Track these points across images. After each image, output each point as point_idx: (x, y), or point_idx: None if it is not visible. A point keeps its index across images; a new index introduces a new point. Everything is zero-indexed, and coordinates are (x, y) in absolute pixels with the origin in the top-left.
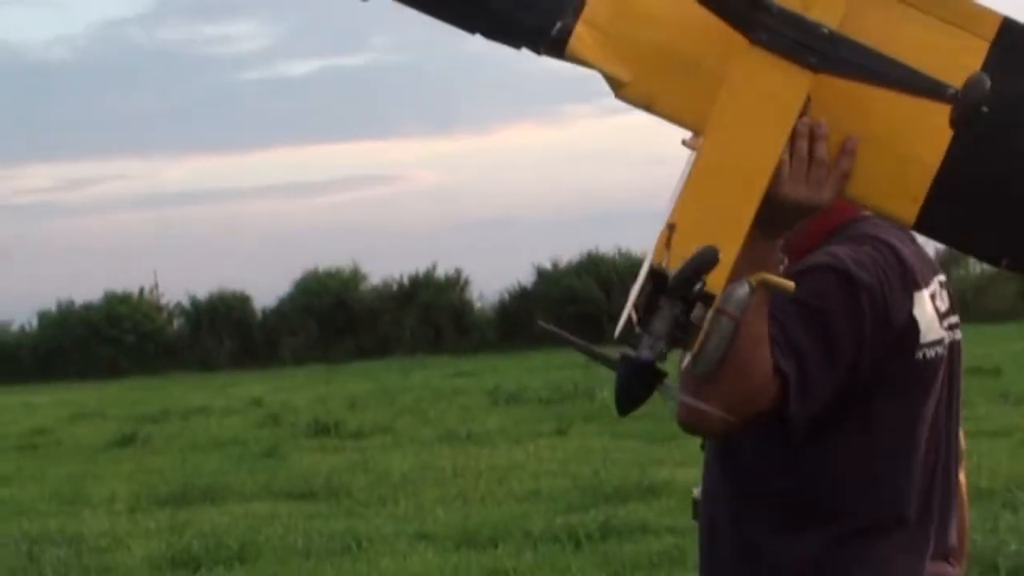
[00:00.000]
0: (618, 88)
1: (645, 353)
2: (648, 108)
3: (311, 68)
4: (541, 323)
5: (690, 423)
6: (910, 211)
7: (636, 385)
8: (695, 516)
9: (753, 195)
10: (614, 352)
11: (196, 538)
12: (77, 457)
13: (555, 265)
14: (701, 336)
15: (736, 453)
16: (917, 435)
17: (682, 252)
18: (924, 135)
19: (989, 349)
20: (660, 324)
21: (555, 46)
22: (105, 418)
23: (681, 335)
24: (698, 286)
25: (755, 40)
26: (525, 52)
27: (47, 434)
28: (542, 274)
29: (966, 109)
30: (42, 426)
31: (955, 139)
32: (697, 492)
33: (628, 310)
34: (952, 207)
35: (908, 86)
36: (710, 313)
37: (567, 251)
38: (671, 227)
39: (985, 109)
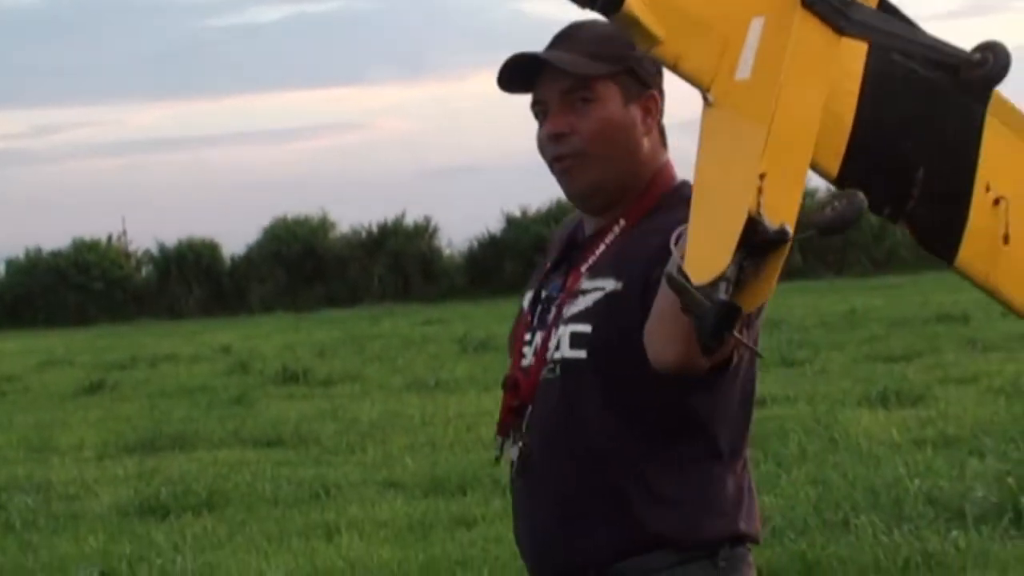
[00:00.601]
0: (652, 45)
1: (723, 296)
2: (674, 67)
3: (280, 14)
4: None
5: (698, 361)
6: (833, 165)
7: (726, 325)
8: (520, 473)
9: (809, 146)
10: (701, 297)
11: (164, 485)
12: (45, 404)
13: (524, 212)
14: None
15: (641, 400)
16: (755, 383)
17: (771, 201)
18: (843, 94)
19: (957, 296)
20: (731, 269)
21: (613, 3)
22: (73, 365)
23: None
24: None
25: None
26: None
27: (15, 381)
28: (511, 221)
29: (996, 72)
30: (10, 373)
31: (861, 98)
32: (515, 454)
33: (731, 258)
34: (857, 161)
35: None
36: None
37: (536, 198)
38: (762, 176)
39: None
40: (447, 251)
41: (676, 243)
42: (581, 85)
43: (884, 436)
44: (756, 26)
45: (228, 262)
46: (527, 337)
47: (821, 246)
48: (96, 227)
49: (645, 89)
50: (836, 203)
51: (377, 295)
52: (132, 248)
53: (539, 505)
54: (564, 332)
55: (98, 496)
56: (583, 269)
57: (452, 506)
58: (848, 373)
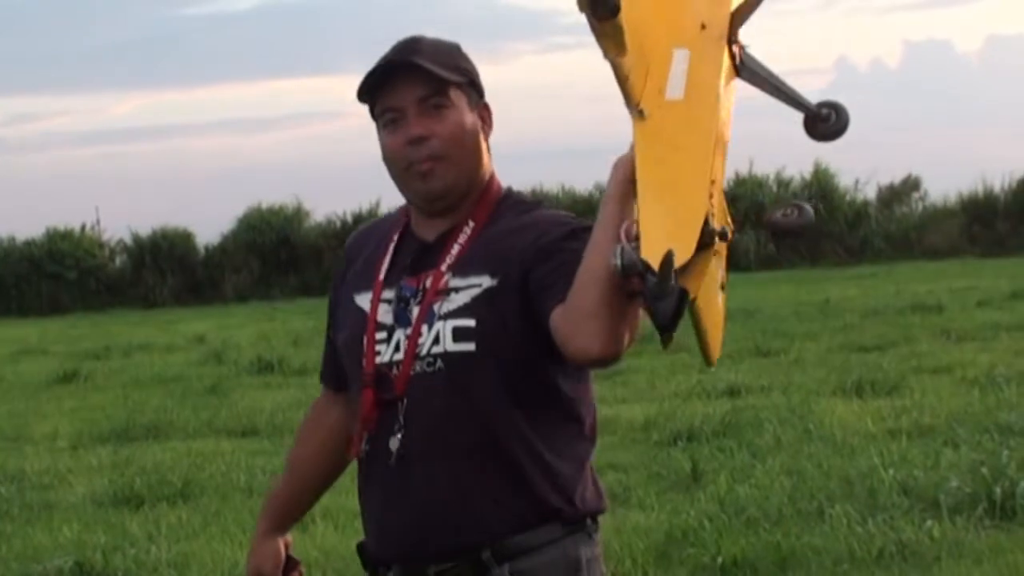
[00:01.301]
0: (618, 55)
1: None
2: (624, 79)
3: (253, 3)
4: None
5: (622, 352)
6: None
7: (682, 309)
8: (398, 463)
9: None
10: (672, 287)
11: (139, 475)
12: (19, 394)
13: None
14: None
15: (525, 386)
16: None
17: (716, 205)
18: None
19: (931, 286)
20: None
21: (613, 11)
22: (47, 355)
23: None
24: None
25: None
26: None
27: None
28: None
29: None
30: None
31: None
32: (394, 445)
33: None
34: None
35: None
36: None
37: (507, 183)
38: (713, 182)
39: None
40: None
41: (625, 238)
42: (437, 91)
43: (859, 426)
44: (681, 56)
45: (202, 251)
46: (380, 336)
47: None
48: (70, 216)
49: (481, 99)
50: (789, 211)
51: None
52: (106, 237)
53: (424, 492)
54: (443, 327)
55: (72, 486)
56: (444, 268)
57: None
58: (823, 363)
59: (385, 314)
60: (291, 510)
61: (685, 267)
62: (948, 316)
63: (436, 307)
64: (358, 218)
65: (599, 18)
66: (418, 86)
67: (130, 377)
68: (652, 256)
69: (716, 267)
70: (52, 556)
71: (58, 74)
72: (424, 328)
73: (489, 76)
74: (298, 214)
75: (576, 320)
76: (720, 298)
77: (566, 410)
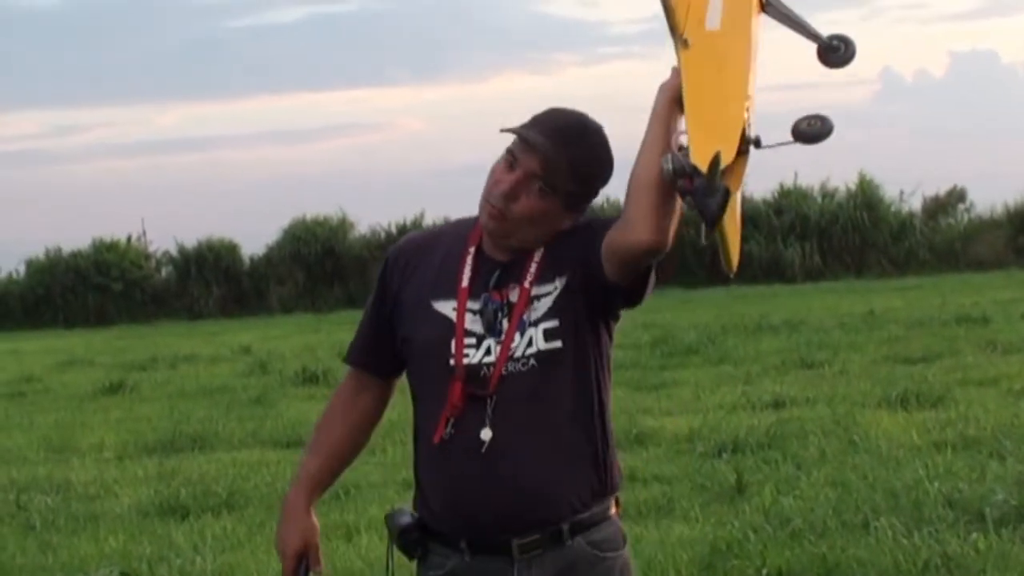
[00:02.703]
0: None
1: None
2: (671, 13)
3: (299, 15)
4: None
5: (668, 242)
6: None
7: (725, 205)
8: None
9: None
10: (718, 185)
11: (184, 486)
12: (65, 405)
13: None
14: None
15: (590, 377)
16: None
17: (751, 118)
18: None
19: (977, 298)
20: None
21: None
22: (93, 366)
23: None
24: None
25: None
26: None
27: (35, 382)
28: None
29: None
30: (30, 374)
31: None
32: (485, 435)
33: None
34: None
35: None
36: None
37: None
38: (748, 98)
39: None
40: None
41: (675, 149)
42: (549, 183)
43: (904, 438)
44: None
45: (247, 262)
46: (468, 341)
47: (840, 248)
48: (116, 227)
49: (577, 211)
50: (812, 121)
51: None
52: (152, 248)
53: (512, 476)
54: (535, 332)
55: (118, 496)
56: (527, 285)
57: None
58: (867, 374)
59: (473, 323)
60: (323, 486)
61: (727, 169)
62: (994, 328)
63: (526, 316)
64: (402, 229)
65: None
66: (537, 161)
67: (176, 388)
68: (701, 160)
69: (735, 196)
70: (98, 566)
71: (102, 85)
72: (516, 335)
73: (535, 87)
74: (343, 225)
75: (630, 221)
76: (738, 205)
77: (606, 389)
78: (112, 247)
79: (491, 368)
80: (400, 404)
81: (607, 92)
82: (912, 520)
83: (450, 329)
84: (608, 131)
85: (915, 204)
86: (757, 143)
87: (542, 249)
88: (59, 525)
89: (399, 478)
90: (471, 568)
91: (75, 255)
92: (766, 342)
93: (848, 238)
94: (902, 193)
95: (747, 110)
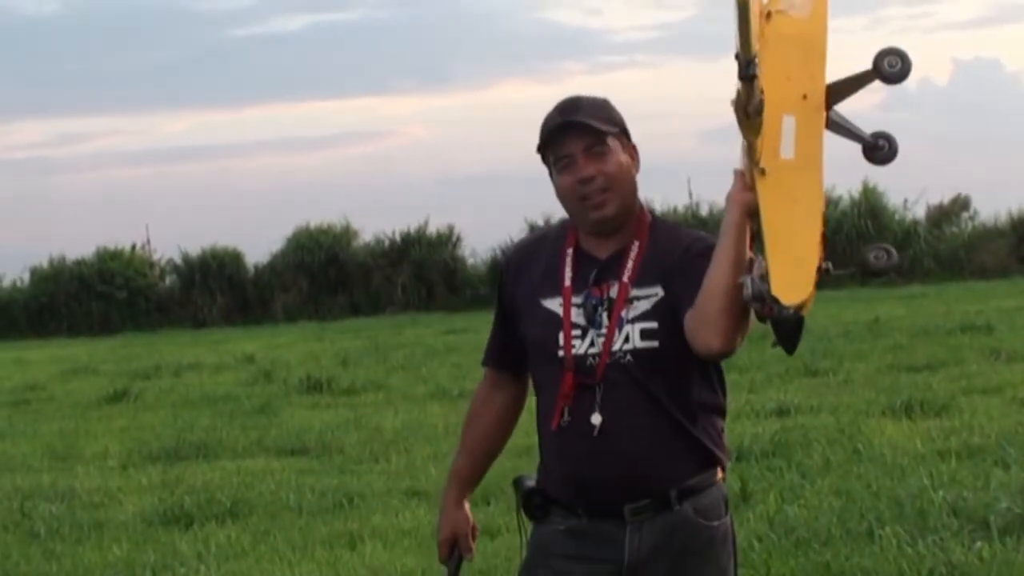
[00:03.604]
0: (755, 138)
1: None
2: (750, 146)
3: (303, 23)
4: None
5: (735, 348)
6: None
7: (800, 333)
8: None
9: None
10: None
11: (188, 494)
12: (70, 413)
13: (547, 221)
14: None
15: (691, 371)
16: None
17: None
18: None
19: (980, 306)
20: None
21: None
22: (97, 374)
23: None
24: None
25: None
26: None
27: (39, 390)
28: (535, 230)
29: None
30: (34, 382)
31: None
32: (596, 420)
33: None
34: None
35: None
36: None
37: (559, 207)
38: (823, 234)
39: None
40: (471, 260)
41: (756, 274)
42: (599, 141)
43: (908, 446)
44: (789, 122)
45: (251, 271)
46: (575, 333)
47: (843, 256)
48: (120, 236)
49: (630, 142)
50: (879, 253)
51: (400, 304)
52: (156, 257)
53: (621, 454)
54: (632, 329)
55: (122, 504)
56: (626, 281)
57: (476, 515)
58: (872, 383)
59: (577, 316)
60: (473, 481)
61: (806, 301)
62: (998, 336)
63: (624, 313)
64: (406, 237)
65: (748, 117)
66: (583, 138)
67: (180, 396)
68: (781, 293)
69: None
70: (102, 575)
71: (107, 94)
72: (617, 330)
73: (540, 96)
74: (347, 233)
75: (701, 323)
76: None
77: (713, 385)
78: (116, 255)
79: (597, 358)
80: (404, 412)
81: (612, 101)
82: (916, 528)
83: (558, 323)
84: None
85: (919, 212)
86: (828, 271)
87: (637, 246)
88: (63, 533)
89: (403, 486)
90: (588, 528)
91: (79, 263)
92: (770, 350)
93: (852, 246)
94: (906, 201)
95: (821, 242)
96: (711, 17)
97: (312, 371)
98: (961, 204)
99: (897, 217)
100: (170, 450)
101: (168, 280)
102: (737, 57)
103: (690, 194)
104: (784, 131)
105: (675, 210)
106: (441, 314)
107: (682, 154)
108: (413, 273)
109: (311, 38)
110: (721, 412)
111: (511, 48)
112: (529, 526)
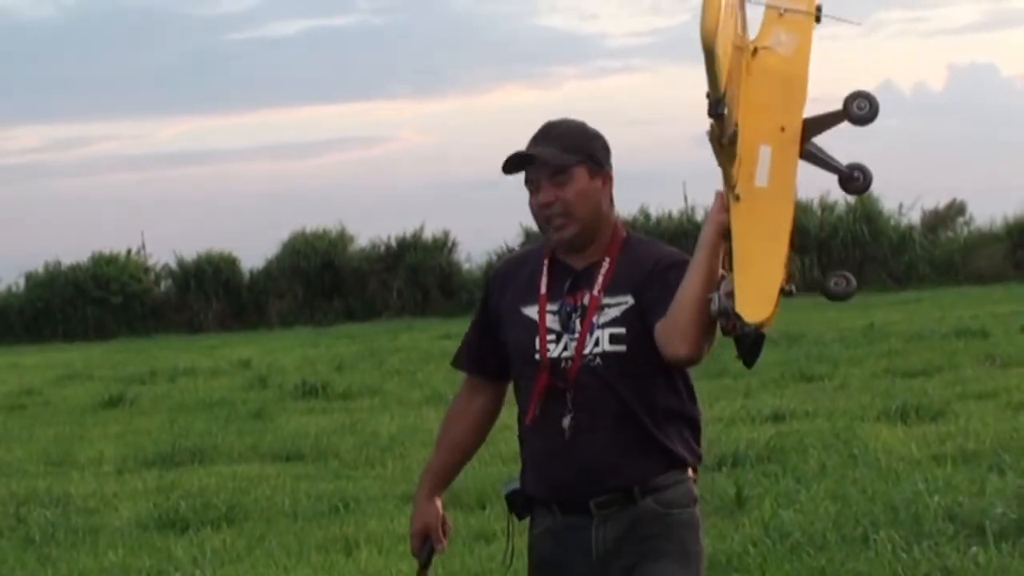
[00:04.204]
0: (729, 165)
1: (761, 330)
2: (725, 169)
3: (298, 29)
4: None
5: (701, 356)
6: None
7: (760, 347)
8: (571, 433)
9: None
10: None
11: (184, 499)
12: (65, 418)
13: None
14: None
15: (656, 375)
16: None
17: (787, 273)
18: None
19: (976, 311)
20: None
21: (732, 143)
22: (92, 379)
23: None
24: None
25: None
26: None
27: (35, 395)
28: (530, 235)
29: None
30: (30, 387)
31: None
32: (566, 423)
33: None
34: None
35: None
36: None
37: None
38: (787, 256)
39: None
40: (466, 265)
41: (723, 293)
42: (560, 170)
43: (903, 452)
44: (766, 151)
45: (247, 276)
46: (550, 337)
47: (839, 261)
48: (115, 241)
49: (602, 168)
50: (839, 279)
51: (396, 309)
52: (151, 262)
53: (590, 453)
54: (602, 334)
55: (118, 510)
56: (597, 292)
57: (471, 520)
58: (867, 388)
59: (552, 322)
60: (446, 478)
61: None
62: (993, 341)
63: (595, 319)
64: (402, 242)
65: (722, 147)
66: (547, 165)
67: (175, 402)
68: (743, 310)
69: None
70: None
71: (102, 99)
72: (588, 335)
73: (535, 101)
74: (342, 238)
75: (671, 332)
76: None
77: (679, 390)
78: (112, 260)
79: (570, 362)
80: (399, 417)
81: (607, 106)
82: (912, 534)
83: (535, 328)
84: (611, 144)
85: (914, 217)
86: (790, 293)
87: (608, 261)
88: (58, 539)
89: (398, 492)
90: (562, 525)
91: (75, 268)
92: (766, 355)
93: (847, 251)
94: (901, 206)
95: (785, 265)
96: None
97: (307, 376)
98: (956, 209)
99: (892, 222)
100: (165, 455)
101: (163, 285)
102: (708, 96)
103: (685, 198)
104: (760, 160)
105: (671, 215)
106: (436, 319)
107: (678, 159)
108: (408, 278)
109: (307, 43)
110: (688, 416)
111: (507, 53)
112: (523, 530)
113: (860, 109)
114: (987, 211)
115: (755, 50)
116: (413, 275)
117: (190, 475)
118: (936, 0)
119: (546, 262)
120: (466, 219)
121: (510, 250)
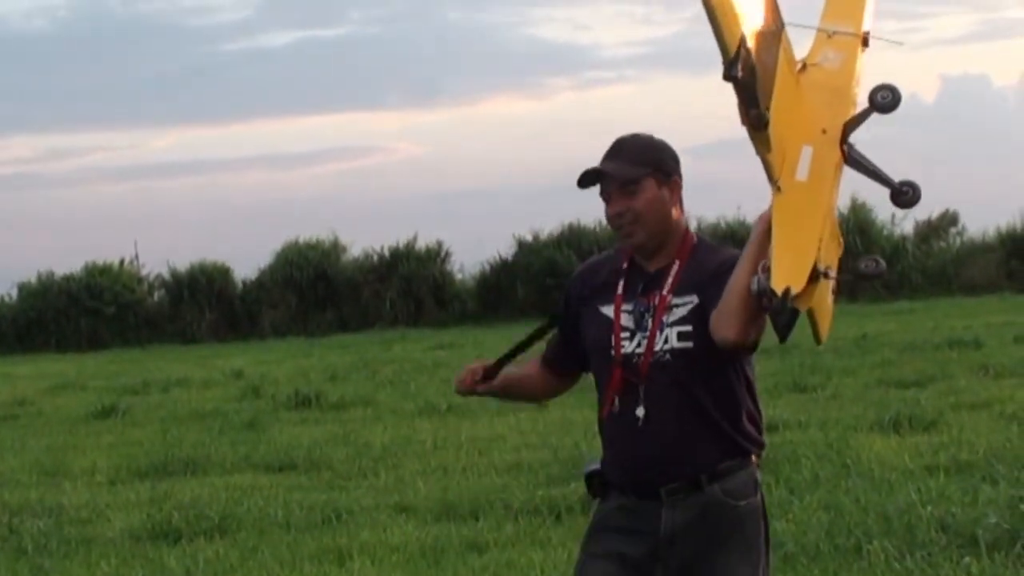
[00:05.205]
0: (766, 152)
1: (793, 304)
2: (767, 163)
3: (290, 39)
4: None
5: (747, 341)
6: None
7: (794, 322)
8: (643, 422)
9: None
10: (788, 307)
11: (176, 510)
12: (58, 429)
13: (536, 237)
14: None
15: (721, 368)
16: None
17: (823, 255)
18: None
19: (969, 321)
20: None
21: (764, 126)
22: (85, 389)
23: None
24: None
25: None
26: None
27: (28, 405)
28: (523, 245)
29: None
30: (23, 397)
31: None
32: (640, 412)
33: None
34: None
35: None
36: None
37: (548, 222)
38: (820, 239)
39: None
40: (459, 275)
41: (761, 271)
42: (631, 181)
43: (896, 462)
44: (807, 151)
45: (240, 286)
46: (624, 335)
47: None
48: (108, 251)
49: (669, 178)
50: (870, 262)
51: (389, 319)
52: (144, 272)
53: (662, 441)
54: (671, 332)
55: (110, 520)
56: (667, 292)
57: (464, 531)
58: (860, 398)
59: (627, 320)
60: (505, 376)
61: (800, 294)
62: (986, 352)
63: (665, 318)
64: (395, 252)
65: (756, 130)
66: (617, 178)
67: (168, 412)
68: (778, 286)
69: (826, 286)
70: None
71: (96, 109)
72: (658, 332)
73: (528, 111)
74: (335, 249)
75: (722, 317)
76: (830, 299)
77: (743, 381)
78: (105, 271)
79: (641, 358)
80: (392, 428)
81: (600, 116)
82: (905, 544)
83: (611, 326)
84: (601, 156)
85: (907, 228)
86: (826, 275)
87: (677, 264)
88: (51, 549)
89: (391, 502)
90: (634, 506)
91: (67, 279)
92: (759, 365)
93: (842, 261)
94: (894, 217)
95: (819, 249)
96: (699, 32)
97: (300, 387)
98: (949, 220)
99: (885, 232)
100: (158, 466)
101: (156, 295)
102: (723, 62)
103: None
104: (802, 158)
105: None
106: (430, 329)
107: None
108: (402, 288)
109: (299, 54)
110: (750, 409)
111: (500, 64)
112: (594, 504)
113: (884, 99)
114: (980, 221)
115: (804, 66)
116: (406, 285)
117: (183, 486)
118: (928, 11)
119: (624, 265)
120: (459, 229)
121: (505, 260)
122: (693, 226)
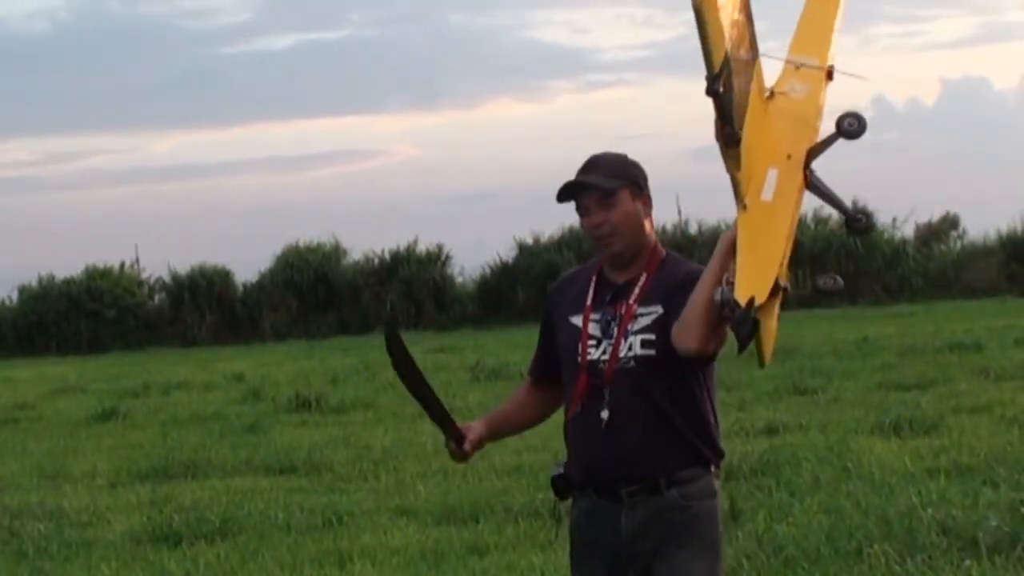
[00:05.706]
0: (736, 171)
1: (755, 315)
2: (735, 182)
3: (291, 42)
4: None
5: (708, 351)
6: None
7: (754, 332)
8: (607, 427)
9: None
10: (750, 317)
11: (177, 513)
12: (58, 432)
13: (536, 240)
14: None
15: (683, 376)
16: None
17: (783, 272)
18: None
19: (970, 325)
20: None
21: (736, 143)
22: (86, 393)
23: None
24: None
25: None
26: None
27: (28, 409)
28: (523, 248)
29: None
30: (23, 401)
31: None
32: (604, 415)
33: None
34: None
35: None
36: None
37: (548, 226)
38: (784, 255)
39: None
40: (459, 278)
41: (725, 284)
42: (608, 194)
43: (897, 465)
44: (773, 173)
45: (240, 289)
46: (591, 343)
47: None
48: (109, 254)
49: (642, 192)
50: (828, 279)
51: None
52: (145, 275)
53: (624, 444)
54: (635, 340)
55: (111, 523)
56: (633, 302)
57: (464, 534)
58: (861, 401)
59: (594, 329)
60: (495, 424)
61: (761, 306)
62: (987, 355)
63: (630, 327)
64: (395, 255)
65: (728, 147)
66: (594, 192)
67: (168, 415)
68: (742, 297)
69: (775, 309)
70: None
71: (97, 113)
72: (622, 340)
73: (528, 115)
74: (336, 252)
75: (683, 327)
76: (774, 323)
77: (704, 390)
78: (105, 274)
79: (606, 364)
80: (393, 431)
81: (600, 119)
82: (905, 547)
83: (578, 334)
84: None
85: (908, 231)
86: (786, 290)
87: (645, 276)
88: (52, 552)
89: (392, 505)
90: (596, 507)
91: (68, 282)
92: (758, 369)
93: (841, 265)
94: (895, 220)
95: (781, 265)
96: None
97: (301, 389)
98: (950, 223)
99: (886, 236)
100: (159, 469)
101: (157, 299)
102: (706, 78)
103: (679, 212)
104: (768, 179)
105: (664, 228)
106: (430, 332)
107: (671, 172)
108: (402, 291)
109: (300, 57)
110: (709, 419)
111: (500, 67)
112: (564, 509)
113: (850, 126)
114: (980, 224)
115: (772, 94)
116: (407, 288)
117: (183, 489)
118: (928, 14)
119: (594, 278)
120: (460, 232)
121: (505, 263)
122: (693, 228)
